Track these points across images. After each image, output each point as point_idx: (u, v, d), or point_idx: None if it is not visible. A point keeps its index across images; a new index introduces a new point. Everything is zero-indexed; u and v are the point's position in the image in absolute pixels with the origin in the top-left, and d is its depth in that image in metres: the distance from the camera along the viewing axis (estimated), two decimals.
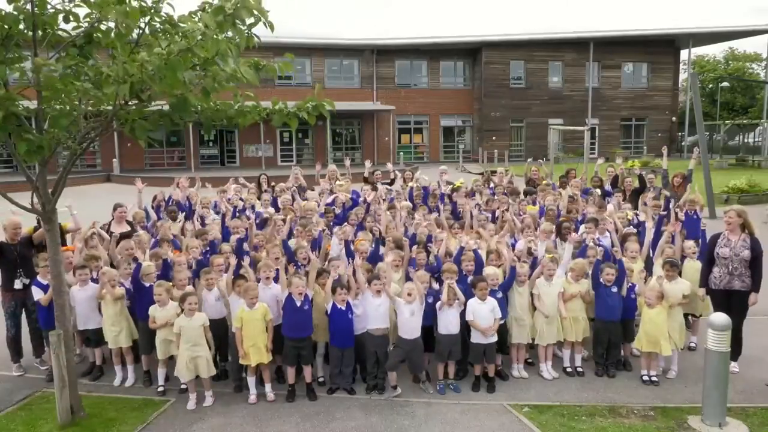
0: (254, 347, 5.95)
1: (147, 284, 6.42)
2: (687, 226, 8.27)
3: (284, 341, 6.12)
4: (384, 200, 9.74)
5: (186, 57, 4.29)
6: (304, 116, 5.28)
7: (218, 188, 10.51)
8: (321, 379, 6.52)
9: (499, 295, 6.38)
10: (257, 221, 8.50)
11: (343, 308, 6.09)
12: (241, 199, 10.06)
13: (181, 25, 4.71)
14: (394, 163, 33.92)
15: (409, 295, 6.02)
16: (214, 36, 4.29)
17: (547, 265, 6.62)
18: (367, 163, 11.98)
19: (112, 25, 4.61)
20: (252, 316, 5.94)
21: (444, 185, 10.98)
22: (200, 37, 4.27)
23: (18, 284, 6.81)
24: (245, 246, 7.44)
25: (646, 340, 6.30)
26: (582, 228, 8.01)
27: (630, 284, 6.65)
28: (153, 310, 6.18)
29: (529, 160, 14.57)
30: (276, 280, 6.34)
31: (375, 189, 10.41)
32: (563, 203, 9.46)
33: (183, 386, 6.25)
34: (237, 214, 8.88)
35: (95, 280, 6.60)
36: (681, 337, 6.62)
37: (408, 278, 6.59)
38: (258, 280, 6.31)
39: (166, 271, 6.71)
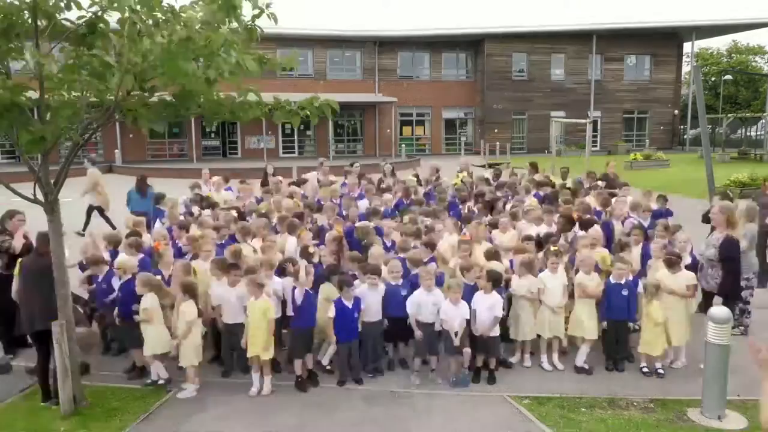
0: (268, 342, 5.92)
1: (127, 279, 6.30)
2: None
3: (295, 333, 6.14)
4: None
5: (186, 46, 4.27)
6: (306, 114, 5.26)
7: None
8: (328, 367, 6.48)
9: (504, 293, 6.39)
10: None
11: (350, 306, 6.07)
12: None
13: (183, 15, 4.69)
14: (396, 155, 34.10)
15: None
16: (216, 26, 4.27)
17: (551, 258, 6.62)
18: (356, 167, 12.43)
19: (118, 15, 4.58)
20: (256, 312, 5.90)
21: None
22: (198, 26, 4.26)
23: None
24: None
25: (643, 342, 6.30)
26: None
27: (633, 278, 6.63)
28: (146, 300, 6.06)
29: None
30: (279, 274, 6.34)
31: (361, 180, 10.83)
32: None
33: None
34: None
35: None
36: (687, 331, 6.49)
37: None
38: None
39: (145, 264, 6.74)
